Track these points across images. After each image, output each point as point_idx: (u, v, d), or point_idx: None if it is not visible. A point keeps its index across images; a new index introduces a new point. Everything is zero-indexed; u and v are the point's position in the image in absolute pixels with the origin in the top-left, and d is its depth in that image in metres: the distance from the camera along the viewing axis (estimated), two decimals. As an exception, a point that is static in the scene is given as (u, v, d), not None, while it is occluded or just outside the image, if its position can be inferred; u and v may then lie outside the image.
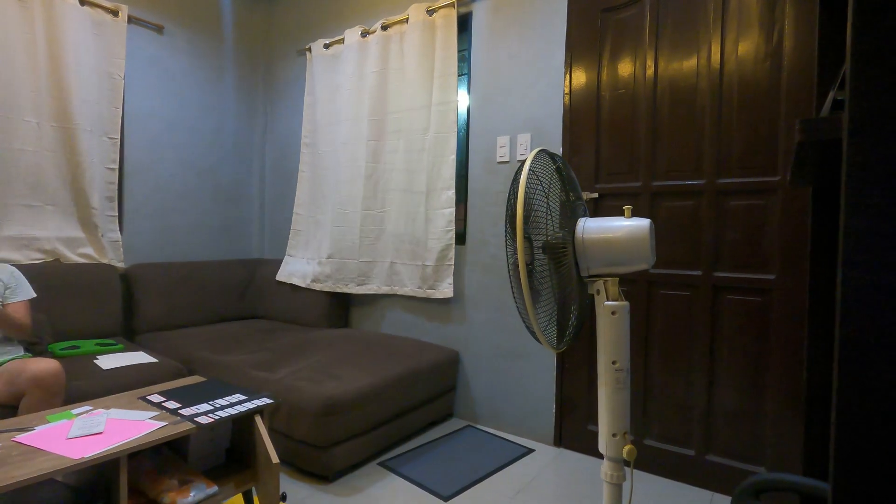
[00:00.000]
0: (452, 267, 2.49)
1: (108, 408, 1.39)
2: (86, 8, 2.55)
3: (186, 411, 1.37)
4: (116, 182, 2.69)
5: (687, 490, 1.86)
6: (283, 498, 1.72)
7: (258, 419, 1.45)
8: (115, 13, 2.66)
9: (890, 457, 0.48)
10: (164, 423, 1.29)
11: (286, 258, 3.13)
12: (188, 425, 1.28)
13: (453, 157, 2.47)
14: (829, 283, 1.05)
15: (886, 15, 0.48)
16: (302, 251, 3.08)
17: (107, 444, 1.16)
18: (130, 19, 2.75)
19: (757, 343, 1.77)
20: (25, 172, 2.38)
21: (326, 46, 3.00)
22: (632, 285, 2.02)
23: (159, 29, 2.91)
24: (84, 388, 1.81)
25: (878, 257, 0.49)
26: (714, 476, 1.84)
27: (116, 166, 2.69)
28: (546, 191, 1.09)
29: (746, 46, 1.78)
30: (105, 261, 2.61)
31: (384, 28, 2.69)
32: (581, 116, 2.15)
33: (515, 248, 1.01)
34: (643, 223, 1.04)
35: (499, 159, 2.37)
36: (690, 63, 1.89)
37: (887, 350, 0.48)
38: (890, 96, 0.48)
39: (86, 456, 1.10)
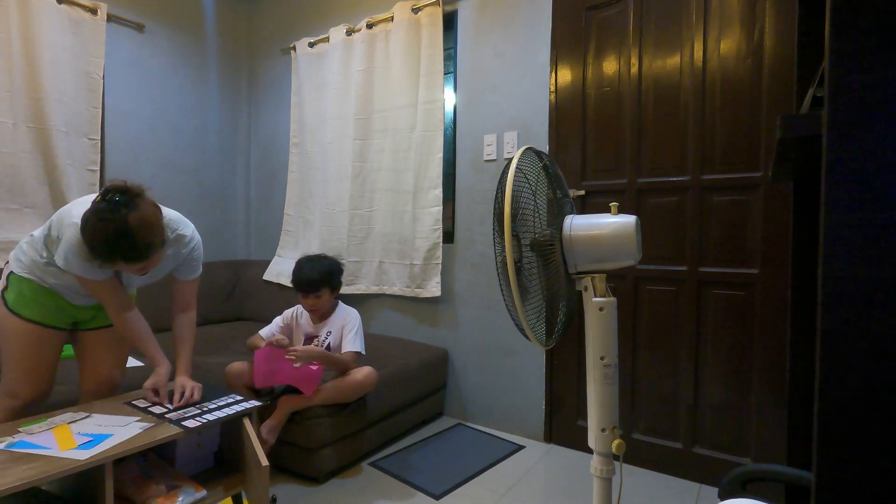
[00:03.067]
0: (440, 266, 2.49)
1: (92, 413, 1.36)
2: (63, 6, 2.49)
3: (173, 415, 1.36)
4: (98, 184, 2.64)
5: (675, 482, 1.88)
6: (273, 501, 1.71)
7: (246, 422, 1.44)
8: (93, 11, 2.61)
9: (870, 446, 0.49)
10: (150, 426, 1.27)
11: (275, 259, 3.10)
12: (175, 430, 1.27)
13: (440, 155, 2.47)
14: (810, 277, 1.07)
15: (863, 14, 0.49)
16: (291, 251, 3.05)
17: (91, 451, 1.14)
18: (110, 18, 2.70)
19: (741, 337, 1.80)
20: (2, 175, 2.32)
21: (311, 45, 2.97)
22: (619, 281, 2.04)
23: (140, 27, 2.86)
24: (69, 392, 1.78)
25: (857, 251, 0.50)
26: (701, 468, 1.87)
27: (97, 168, 2.64)
28: (533, 189, 1.10)
29: (728, 45, 1.80)
30: (87, 264, 2.56)
31: (369, 26, 2.68)
32: (567, 114, 2.16)
33: (503, 246, 1.01)
34: (629, 220, 1.04)
35: (486, 157, 2.38)
36: (674, 61, 1.91)
37: (867, 342, 0.49)
38: (868, 93, 0.49)
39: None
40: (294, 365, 1.70)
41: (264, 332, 1.95)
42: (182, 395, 1.44)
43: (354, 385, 1.81)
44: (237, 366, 1.84)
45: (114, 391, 1.60)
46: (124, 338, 1.51)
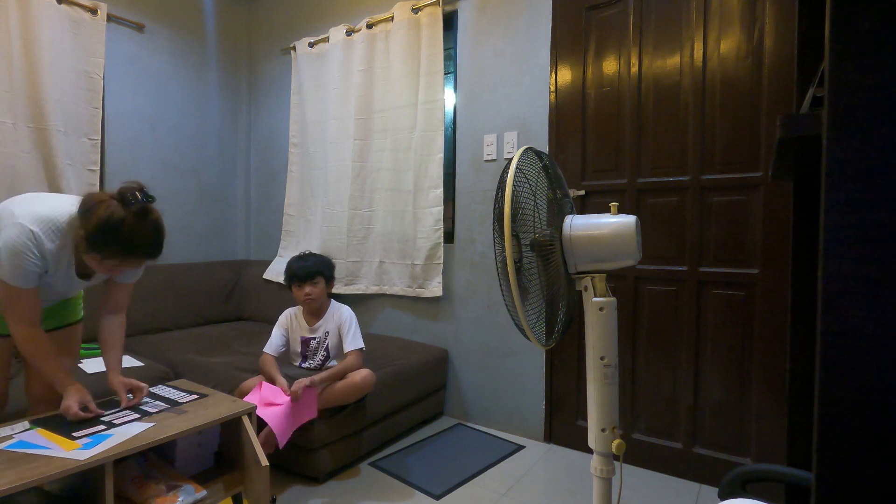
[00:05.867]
0: (441, 265, 2.49)
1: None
2: (63, 6, 2.49)
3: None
4: (98, 184, 2.64)
5: (675, 482, 1.88)
6: (273, 501, 1.70)
7: (246, 421, 1.44)
8: (93, 11, 2.61)
9: (870, 446, 0.49)
10: (150, 426, 1.27)
11: (276, 259, 3.10)
12: (175, 429, 1.27)
13: (440, 155, 2.47)
14: (810, 277, 1.07)
15: (863, 13, 0.49)
16: (292, 251, 3.05)
17: (91, 451, 1.14)
18: (110, 17, 2.69)
19: (741, 337, 1.80)
20: (2, 175, 2.32)
21: (311, 45, 2.97)
22: (619, 281, 2.04)
23: (139, 27, 2.86)
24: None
25: (857, 251, 0.50)
26: (701, 468, 1.87)
27: (97, 168, 2.63)
28: (533, 189, 1.10)
29: (728, 45, 1.80)
30: (87, 264, 2.56)
31: (369, 26, 2.68)
32: (567, 114, 2.16)
33: (503, 246, 1.01)
34: (629, 220, 1.04)
35: (486, 157, 2.38)
36: (674, 61, 1.91)
37: (867, 341, 0.49)
38: (867, 93, 0.49)
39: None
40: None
41: (270, 348, 1.91)
42: (130, 393, 1.44)
43: (352, 388, 1.81)
44: (251, 385, 1.80)
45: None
46: (51, 351, 1.37)
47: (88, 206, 1.22)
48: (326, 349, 1.93)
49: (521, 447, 2.17)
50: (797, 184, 1.08)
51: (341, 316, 1.94)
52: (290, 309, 2.01)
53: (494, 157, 2.35)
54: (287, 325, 1.98)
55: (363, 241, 2.75)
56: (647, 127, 1.98)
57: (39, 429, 1.26)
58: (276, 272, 3.02)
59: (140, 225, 1.22)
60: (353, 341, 1.89)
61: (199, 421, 1.34)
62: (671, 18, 1.91)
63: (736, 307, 1.81)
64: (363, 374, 1.83)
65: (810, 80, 1.00)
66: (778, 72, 1.71)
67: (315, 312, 1.95)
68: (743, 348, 1.80)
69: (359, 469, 1.94)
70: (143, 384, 1.48)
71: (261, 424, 1.73)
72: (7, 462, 1.08)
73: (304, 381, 1.70)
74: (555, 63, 2.18)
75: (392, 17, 2.58)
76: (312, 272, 1.90)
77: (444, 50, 2.48)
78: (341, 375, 1.82)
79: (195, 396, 1.52)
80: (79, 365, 2.03)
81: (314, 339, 1.93)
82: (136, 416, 1.35)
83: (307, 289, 1.89)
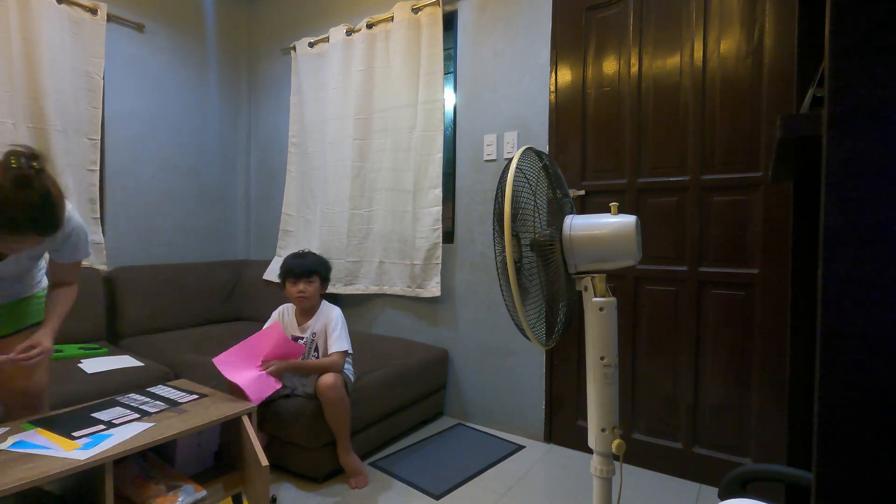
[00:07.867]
0: (440, 265, 2.49)
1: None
2: (63, 6, 2.49)
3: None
4: (98, 184, 2.64)
5: (675, 482, 1.88)
6: (273, 500, 1.70)
7: (246, 421, 1.44)
8: (93, 11, 2.61)
9: (870, 446, 0.49)
10: (150, 426, 1.27)
11: (275, 259, 3.10)
12: (175, 429, 1.27)
13: (440, 155, 2.47)
14: (810, 277, 1.07)
15: (863, 12, 0.49)
16: (290, 251, 3.04)
17: (91, 451, 1.14)
18: (110, 18, 2.69)
19: (741, 337, 1.80)
20: (2, 175, 2.32)
21: (311, 45, 2.97)
22: (619, 281, 2.04)
23: (140, 27, 2.86)
24: (69, 392, 1.78)
25: (857, 251, 0.50)
26: (701, 468, 1.87)
27: (97, 168, 2.63)
28: (533, 188, 1.10)
29: (728, 44, 1.80)
30: (87, 264, 2.56)
31: (369, 26, 2.68)
32: (567, 114, 2.16)
33: (503, 246, 1.01)
34: (629, 220, 1.04)
35: (486, 157, 2.38)
36: (674, 61, 1.91)
37: (867, 342, 0.49)
38: (868, 92, 0.49)
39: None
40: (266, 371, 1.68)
41: None
42: (30, 349, 1.29)
43: (330, 409, 1.74)
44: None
45: (38, 400, 1.47)
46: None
47: None
48: (317, 350, 1.91)
49: (521, 447, 2.17)
50: (797, 184, 1.08)
51: (329, 316, 1.92)
52: (284, 305, 2.01)
53: (494, 157, 2.35)
54: (279, 319, 1.97)
55: (363, 241, 2.75)
56: (647, 127, 1.98)
57: (39, 429, 1.26)
58: (275, 272, 3.01)
59: (18, 194, 1.07)
60: (338, 342, 1.85)
61: (199, 421, 1.34)
62: (671, 18, 1.91)
63: (736, 307, 1.81)
64: (329, 382, 1.72)
65: (810, 80, 1.00)
66: (778, 71, 1.71)
67: (306, 311, 1.94)
68: (743, 348, 1.80)
69: (359, 469, 1.94)
70: (44, 345, 1.31)
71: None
72: (7, 462, 1.08)
73: (281, 365, 1.72)
74: (555, 63, 2.18)
75: (392, 17, 2.58)
76: (310, 270, 1.89)
77: (444, 50, 2.48)
78: (322, 370, 1.78)
79: (195, 396, 1.52)
80: (78, 365, 2.03)
81: (302, 339, 1.92)
82: (136, 416, 1.35)
83: (301, 285, 1.88)
